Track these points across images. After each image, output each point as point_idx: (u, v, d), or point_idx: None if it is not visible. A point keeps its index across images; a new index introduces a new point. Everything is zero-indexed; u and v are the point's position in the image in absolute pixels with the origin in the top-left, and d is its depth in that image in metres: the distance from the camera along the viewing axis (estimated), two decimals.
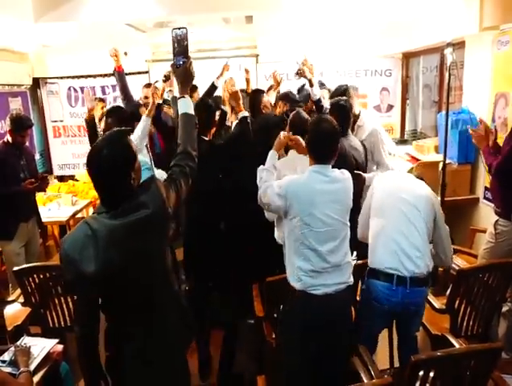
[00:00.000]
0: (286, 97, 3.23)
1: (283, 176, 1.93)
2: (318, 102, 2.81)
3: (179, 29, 1.45)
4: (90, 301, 1.25)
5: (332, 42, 4.80)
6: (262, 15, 3.75)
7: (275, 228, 2.23)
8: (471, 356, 1.37)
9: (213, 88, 3.45)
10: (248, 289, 2.31)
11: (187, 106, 1.44)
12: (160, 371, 1.30)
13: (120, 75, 3.30)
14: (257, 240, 2.31)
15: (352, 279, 1.70)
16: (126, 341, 1.27)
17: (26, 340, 1.89)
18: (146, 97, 3.59)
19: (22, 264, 2.44)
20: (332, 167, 1.73)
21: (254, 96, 3.12)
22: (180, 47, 1.44)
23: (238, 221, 2.47)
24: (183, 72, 1.44)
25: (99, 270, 1.15)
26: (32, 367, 1.73)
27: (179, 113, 1.45)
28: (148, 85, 3.75)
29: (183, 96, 1.45)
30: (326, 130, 1.67)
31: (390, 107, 5.03)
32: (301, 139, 1.93)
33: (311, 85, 2.82)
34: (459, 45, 3.31)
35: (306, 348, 1.64)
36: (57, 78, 5.19)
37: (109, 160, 1.19)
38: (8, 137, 2.87)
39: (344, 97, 2.66)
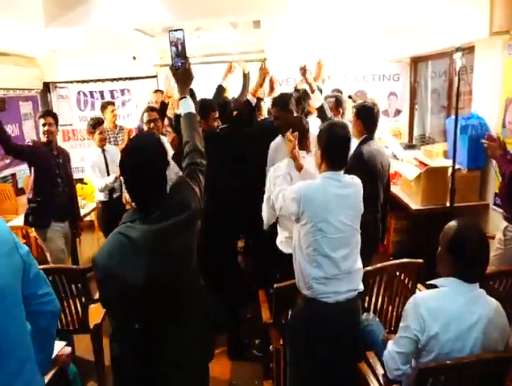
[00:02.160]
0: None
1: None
2: (321, 109, 2.77)
3: (175, 31, 1.44)
4: (129, 316, 1.17)
5: (339, 46, 4.80)
6: (269, 20, 3.77)
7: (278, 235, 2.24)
8: (482, 365, 1.35)
9: (221, 88, 3.40)
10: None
11: (189, 106, 1.45)
12: (186, 374, 1.28)
13: None
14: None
15: (362, 286, 1.69)
16: (154, 344, 1.22)
17: None
18: (156, 102, 3.71)
19: (66, 260, 2.42)
20: (355, 172, 1.72)
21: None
22: (178, 49, 1.44)
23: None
24: (182, 74, 1.44)
25: (148, 279, 1.11)
26: None
27: (182, 114, 1.46)
28: (157, 91, 3.79)
29: (185, 97, 1.45)
30: (341, 136, 1.66)
31: (398, 112, 5.01)
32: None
33: (312, 91, 2.78)
34: (468, 50, 3.28)
35: (315, 356, 1.63)
36: (67, 82, 5.26)
37: (148, 158, 1.17)
38: (43, 137, 2.88)
39: (371, 100, 2.65)
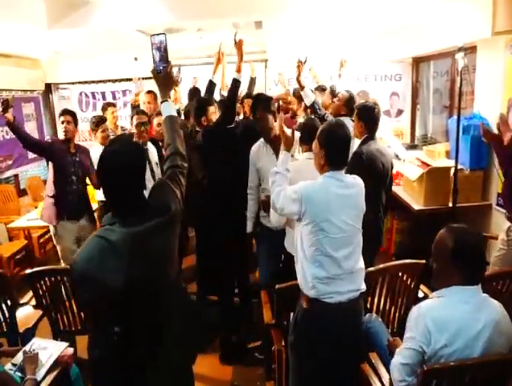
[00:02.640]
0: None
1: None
2: (313, 107, 2.75)
3: (157, 35, 1.46)
4: (109, 319, 1.16)
5: (341, 46, 4.79)
6: (271, 20, 3.77)
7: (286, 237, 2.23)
8: (485, 367, 1.34)
9: (212, 84, 3.31)
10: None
11: (170, 109, 1.47)
12: (167, 377, 1.28)
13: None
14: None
15: (364, 286, 1.68)
16: (133, 346, 1.22)
17: (36, 343, 1.90)
18: (149, 102, 3.73)
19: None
20: (354, 172, 1.71)
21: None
22: (160, 53, 1.46)
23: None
24: (164, 78, 1.46)
25: (128, 282, 1.10)
26: (43, 370, 1.74)
27: (164, 116, 1.47)
28: (150, 92, 3.79)
29: (166, 100, 1.47)
30: (343, 136, 1.65)
31: (400, 112, 5.00)
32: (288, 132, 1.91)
33: (302, 88, 2.76)
34: (470, 49, 3.27)
35: (318, 356, 1.63)
36: (69, 83, 5.28)
37: (126, 161, 1.18)
38: (61, 135, 2.95)
39: (372, 100, 2.64)
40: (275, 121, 2.42)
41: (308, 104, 2.75)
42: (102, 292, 1.10)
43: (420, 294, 2.09)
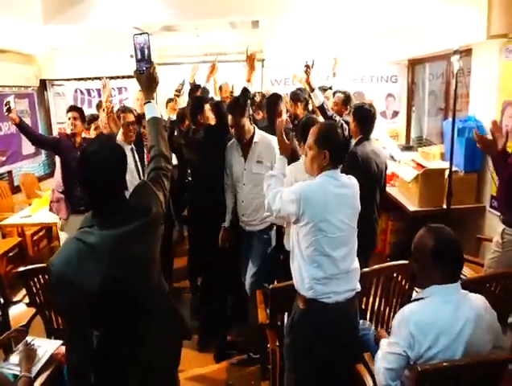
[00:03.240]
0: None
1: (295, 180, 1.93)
2: (322, 108, 2.75)
3: (140, 34, 1.43)
4: (87, 323, 1.15)
5: (338, 47, 4.80)
6: (268, 20, 3.77)
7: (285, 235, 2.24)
8: (477, 367, 1.36)
9: (205, 90, 3.27)
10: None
11: (154, 110, 1.44)
12: (146, 380, 1.26)
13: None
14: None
15: (359, 286, 1.69)
16: (114, 350, 1.20)
17: (30, 341, 1.89)
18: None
19: None
20: (352, 173, 1.73)
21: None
22: (143, 53, 1.42)
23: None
24: (146, 78, 1.43)
25: (105, 285, 1.08)
26: (36, 368, 1.73)
27: (147, 118, 1.44)
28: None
29: (149, 102, 1.44)
30: (344, 135, 1.68)
31: (396, 113, 5.03)
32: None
33: (312, 90, 2.76)
34: (466, 52, 3.30)
35: (314, 356, 1.63)
36: (64, 80, 5.23)
37: (105, 162, 1.15)
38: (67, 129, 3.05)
39: (369, 102, 2.66)
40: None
41: (317, 105, 2.75)
42: (80, 295, 1.08)
43: (414, 295, 2.10)
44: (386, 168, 2.63)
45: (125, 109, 2.85)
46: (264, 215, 2.41)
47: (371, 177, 2.44)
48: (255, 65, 2.79)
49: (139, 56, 1.42)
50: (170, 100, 3.89)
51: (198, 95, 3.11)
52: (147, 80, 1.43)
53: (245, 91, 2.69)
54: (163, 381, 1.37)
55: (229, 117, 2.37)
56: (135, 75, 1.45)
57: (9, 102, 2.73)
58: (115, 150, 1.22)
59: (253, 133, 2.43)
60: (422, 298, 1.38)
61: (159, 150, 1.39)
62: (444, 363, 1.29)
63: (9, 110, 2.73)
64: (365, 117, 2.51)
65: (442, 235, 1.37)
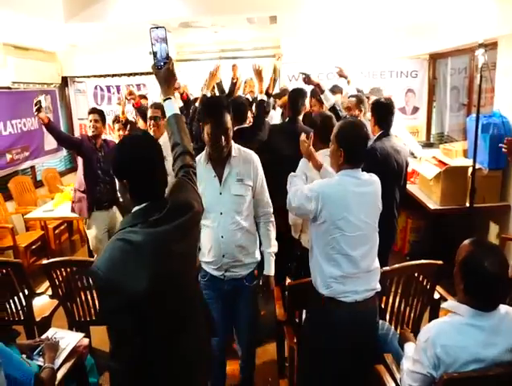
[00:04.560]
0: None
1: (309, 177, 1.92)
2: (334, 109, 2.72)
3: (156, 28, 1.35)
4: (134, 329, 1.06)
5: (356, 42, 4.73)
6: (286, 16, 3.73)
7: (301, 233, 2.22)
8: (507, 378, 1.30)
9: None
10: None
11: (173, 107, 1.39)
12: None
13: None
14: None
15: (379, 286, 1.67)
16: (157, 359, 1.13)
17: (51, 332, 1.94)
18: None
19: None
20: (371, 169, 1.70)
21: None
22: (160, 48, 1.36)
23: None
24: (165, 74, 1.36)
25: (151, 284, 1.04)
26: (59, 360, 1.77)
27: (168, 115, 1.39)
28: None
29: (169, 98, 1.39)
30: (363, 135, 1.65)
31: (416, 109, 4.92)
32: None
33: (322, 92, 2.76)
34: (491, 46, 3.19)
35: (332, 355, 1.62)
36: (84, 77, 5.32)
37: (148, 157, 1.13)
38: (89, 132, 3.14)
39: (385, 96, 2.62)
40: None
41: (329, 107, 2.72)
42: (127, 298, 1.03)
43: (436, 295, 2.06)
44: (407, 165, 2.58)
45: (152, 105, 2.94)
46: (251, 250, 1.87)
47: (390, 174, 2.39)
48: (263, 77, 2.81)
49: (156, 50, 1.37)
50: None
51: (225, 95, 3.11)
52: (166, 76, 1.37)
53: (261, 103, 2.68)
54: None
55: (208, 124, 1.74)
56: (153, 71, 1.39)
57: (39, 101, 2.80)
58: (151, 139, 1.23)
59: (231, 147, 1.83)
60: (451, 313, 1.29)
61: (184, 147, 1.35)
62: (473, 373, 1.22)
63: (39, 110, 2.80)
64: (383, 112, 2.45)
65: (479, 251, 1.23)
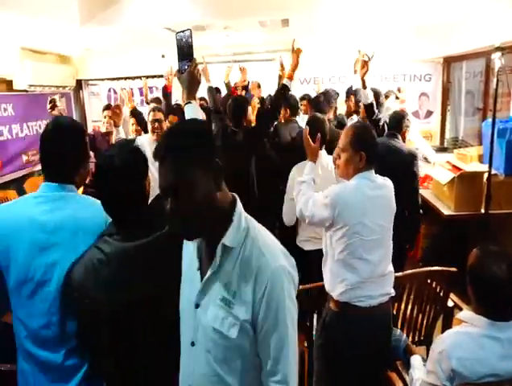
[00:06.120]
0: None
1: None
2: (371, 107, 2.67)
3: (182, 32, 1.33)
4: (110, 341, 1.03)
5: (369, 45, 4.68)
6: (298, 18, 3.73)
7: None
8: None
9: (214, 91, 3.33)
10: None
11: (193, 112, 1.35)
12: None
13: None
14: None
15: (393, 290, 1.65)
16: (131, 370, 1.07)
17: None
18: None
19: None
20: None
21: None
22: (185, 51, 1.34)
23: None
24: (187, 77, 1.33)
25: (110, 298, 1.01)
26: None
27: (187, 119, 1.34)
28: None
29: (190, 102, 1.35)
30: (375, 136, 1.67)
31: (430, 113, 4.86)
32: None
33: (364, 87, 2.65)
34: (508, 49, 3.13)
35: (346, 360, 1.60)
36: (98, 80, 5.41)
37: (121, 169, 1.07)
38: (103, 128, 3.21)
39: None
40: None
41: (366, 103, 2.66)
42: (99, 308, 1.01)
43: (450, 303, 2.01)
44: (410, 170, 2.55)
45: (154, 108, 2.94)
46: None
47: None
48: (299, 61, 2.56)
49: (181, 55, 1.34)
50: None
51: (240, 95, 3.11)
52: (188, 79, 1.34)
53: (283, 88, 2.53)
54: None
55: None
56: (176, 74, 1.38)
57: (54, 99, 2.86)
58: (131, 157, 1.11)
59: (230, 219, 0.92)
60: (466, 323, 1.25)
61: None
62: (487, 380, 1.19)
63: (53, 108, 2.85)
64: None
65: (487, 259, 1.20)
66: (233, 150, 2.54)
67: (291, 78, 2.55)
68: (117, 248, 1.05)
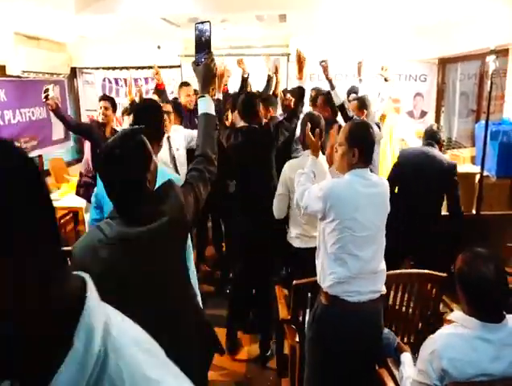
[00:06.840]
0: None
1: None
2: (342, 108, 2.73)
3: (202, 23, 1.32)
4: None
5: (365, 44, 4.70)
6: (295, 14, 3.72)
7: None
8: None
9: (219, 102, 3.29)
10: None
11: (207, 106, 1.33)
12: None
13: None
14: None
15: (384, 288, 1.67)
16: None
17: None
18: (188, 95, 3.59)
19: None
20: None
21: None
22: (203, 43, 1.32)
23: None
24: (203, 70, 1.32)
25: (105, 274, 1.01)
26: None
27: (199, 113, 1.34)
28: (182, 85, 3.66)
29: (203, 96, 1.33)
30: (372, 134, 1.66)
31: (424, 113, 4.90)
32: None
33: (332, 88, 2.74)
34: (502, 53, 3.17)
35: (335, 353, 1.62)
36: (93, 68, 5.32)
37: (121, 160, 1.08)
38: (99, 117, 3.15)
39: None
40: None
41: (337, 105, 2.74)
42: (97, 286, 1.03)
43: (442, 308, 2.04)
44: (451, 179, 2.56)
45: (163, 100, 2.98)
46: None
47: None
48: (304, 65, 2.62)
49: (198, 46, 1.32)
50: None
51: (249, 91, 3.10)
52: (204, 71, 1.32)
53: (300, 89, 2.58)
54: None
55: None
56: (192, 66, 1.35)
57: (48, 89, 2.82)
58: (133, 148, 1.13)
59: (68, 338, 0.43)
60: (456, 324, 1.26)
61: (202, 151, 1.31)
62: (479, 384, 1.20)
63: (47, 97, 2.81)
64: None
65: (473, 260, 1.21)
66: (253, 147, 2.50)
67: (301, 79, 2.63)
68: (118, 232, 1.07)
